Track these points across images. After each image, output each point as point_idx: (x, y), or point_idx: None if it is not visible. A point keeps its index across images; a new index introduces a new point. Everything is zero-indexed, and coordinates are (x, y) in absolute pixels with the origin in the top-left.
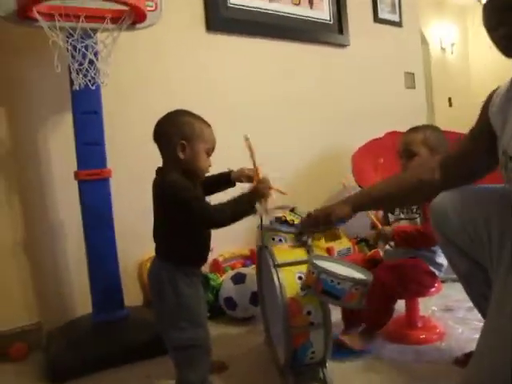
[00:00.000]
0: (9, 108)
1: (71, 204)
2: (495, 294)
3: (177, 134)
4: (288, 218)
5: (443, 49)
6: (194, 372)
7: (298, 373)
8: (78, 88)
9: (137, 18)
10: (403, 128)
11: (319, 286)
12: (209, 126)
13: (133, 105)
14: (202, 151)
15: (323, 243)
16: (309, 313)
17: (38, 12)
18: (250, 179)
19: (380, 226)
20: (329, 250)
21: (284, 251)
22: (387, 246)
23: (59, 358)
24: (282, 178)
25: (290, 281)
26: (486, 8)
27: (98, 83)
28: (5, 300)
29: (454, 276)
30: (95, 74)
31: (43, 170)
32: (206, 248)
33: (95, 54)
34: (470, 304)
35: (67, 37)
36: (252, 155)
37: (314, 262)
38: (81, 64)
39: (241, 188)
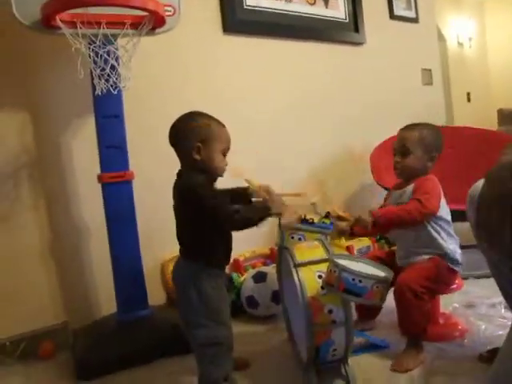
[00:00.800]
0: (33, 114)
1: (95, 206)
2: None
3: (193, 136)
4: (307, 217)
5: (460, 44)
6: (216, 369)
7: (320, 370)
8: (100, 93)
9: (156, 22)
10: None
11: (341, 285)
12: (223, 126)
13: (152, 108)
14: (217, 151)
15: (343, 241)
16: (330, 311)
17: (61, 20)
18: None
19: (347, 215)
20: (349, 249)
21: (304, 250)
22: None
23: (85, 357)
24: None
25: (310, 280)
26: None
27: (119, 88)
28: (32, 300)
29: (476, 273)
30: (117, 79)
31: (67, 174)
32: (227, 249)
33: (116, 59)
34: (493, 300)
35: (89, 43)
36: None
37: (335, 260)
38: (103, 69)
39: None
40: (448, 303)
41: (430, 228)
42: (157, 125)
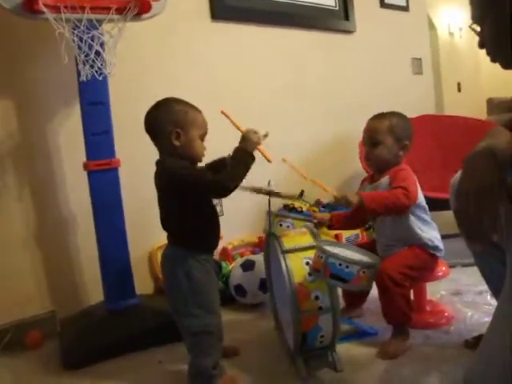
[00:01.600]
0: (17, 101)
1: (81, 194)
2: (509, 273)
3: (170, 122)
4: (296, 205)
5: (451, 33)
6: (206, 357)
7: (307, 357)
8: (85, 79)
9: (142, 8)
10: (410, 114)
11: (327, 270)
12: (200, 111)
13: (138, 94)
14: (196, 137)
15: (331, 230)
16: (317, 297)
17: (44, 4)
18: None
19: (330, 190)
20: (337, 237)
21: (291, 237)
22: None
23: (72, 346)
24: None
25: (297, 266)
26: None
27: (104, 74)
28: (19, 290)
29: (463, 261)
30: (102, 65)
31: (53, 161)
32: (215, 232)
33: (101, 45)
34: (480, 288)
35: (73, 28)
36: (231, 120)
37: (322, 246)
38: (87, 55)
39: None
40: (435, 291)
41: (407, 218)
42: (143, 111)
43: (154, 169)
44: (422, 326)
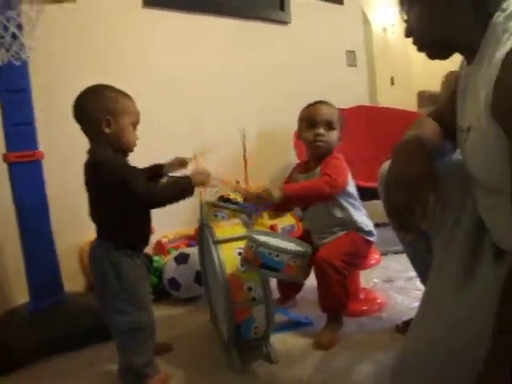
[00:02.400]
0: None
1: (2, 189)
2: (436, 260)
3: (101, 109)
4: (231, 197)
5: (384, 29)
6: (138, 355)
7: (242, 349)
8: (0, 63)
9: None
10: (345, 105)
11: (258, 260)
12: (131, 98)
13: (65, 82)
14: (127, 125)
15: (267, 221)
16: (250, 288)
17: None
18: (183, 164)
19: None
20: (272, 227)
21: (224, 228)
22: None
23: None
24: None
25: (229, 257)
26: None
27: (23, 59)
28: None
29: (394, 248)
30: (20, 49)
31: None
32: (146, 228)
33: (18, 27)
34: (409, 274)
35: None
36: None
37: (252, 235)
38: (2, 37)
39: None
40: (369, 279)
41: (340, 205)
42: (70, 100)
43: (82, 160)
44: (356, 314)
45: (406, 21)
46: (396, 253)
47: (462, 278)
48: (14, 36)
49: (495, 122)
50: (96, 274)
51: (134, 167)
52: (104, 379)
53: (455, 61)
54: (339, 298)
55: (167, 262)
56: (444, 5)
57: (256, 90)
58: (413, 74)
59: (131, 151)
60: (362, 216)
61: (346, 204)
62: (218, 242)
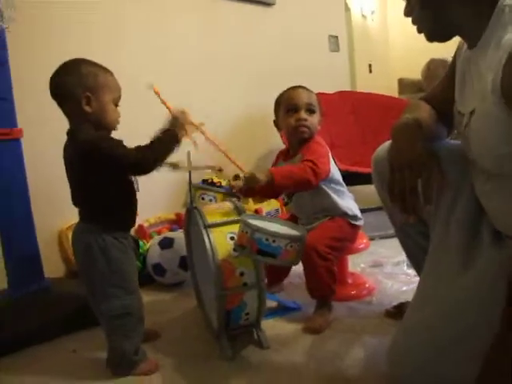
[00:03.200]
0: None
1: None
2: (432, 244)
3: (79, 86)
4: (215, 180)
5: (364, 16)
6: (127, 341)
7: (232, 336)
8: None
9: None
10: (327, 89)
11: (254, 246)
12: (111, 73)
13: (47, 56)
14: (108, 102)
15: (251, 205)
16: (242, 274)
17: None
18: None
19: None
20: (257, 211)
21: (214, 211)
22: None
23: None
24: None
25: (221, 242)
26: None
27: (1, 28)
28: None
29: (381, 233)
30: None
31: None
32: (133, 208)
33: None
34: (397, 259)
35: None
36: (160, 99)
37: (248, 220)
38: None
39: None
40: (356, 263)
41: (324, 191)
42: (49, 74)
43: (61, 140)
44: (345, 299)
45: (407, 1)
46: (382, 238)
47: (460, 262)
48: None
49: (502, 103)
50: (83, 259)
51: (118, 139)
52: (90, 367)
53: (432, 49)
54: (326, 283)
55: (151, 247)
56: None
57: (237, 72)
58: (391, 62)
59: (114, 129)
60: (347, 201)
61: (328, 190)
62: (209, 226)
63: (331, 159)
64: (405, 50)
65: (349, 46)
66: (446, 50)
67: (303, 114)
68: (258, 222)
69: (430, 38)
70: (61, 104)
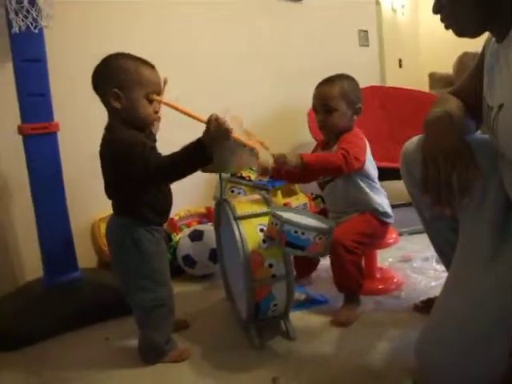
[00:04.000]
0: None
1: (17, 162)
2: (462, 236)
3: (110, 81)
4: (244, 174)
5: (394, 10)
6: (158, 331)
7: (260, 327)
8: (17, 31)
9: None
10: None
11: (283, 238)
12: (149, 66)
13: (81, 52)
14: (139, 97)
15: (280, 199)
16: (270, 265)
17: None
18: None
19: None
20: (286, 206)
21: (244, 203)
22: None
23: (8, 326)
24: None
25: (251, 233)
26: None
27: (40, 26)
28: None
29: (409, 229)
30: (37, 16)
31: None
32: (167, 201)
33: None
34: (426, 254)
35: None
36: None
37: (277, 212)
38: (19, 2)
39: None
40: (384, 258)
41: (359, 186)
42: (86, 70)
43: (96, 133)
44: (373, 293)
45: None
46: (411, 233)
47: (490, 253)
48: (31, 2)
49: None
50: (115, 251)
51: (145, 142)
52: (121, 354)
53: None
54: (353, 277)
55: (181, 239)
56: None
57: (270, 68)
58: (421, 57)
59: (149, 124)
60: (381, 197)
61: (362, 184)
62: (239, 218)
63: (369, 156)
64: (436, 44)
65: (379, 41)
66: (478, 43)
67: (320, 116)
68: (287, 214)
69: (460, 35)
70: (100, 100)
